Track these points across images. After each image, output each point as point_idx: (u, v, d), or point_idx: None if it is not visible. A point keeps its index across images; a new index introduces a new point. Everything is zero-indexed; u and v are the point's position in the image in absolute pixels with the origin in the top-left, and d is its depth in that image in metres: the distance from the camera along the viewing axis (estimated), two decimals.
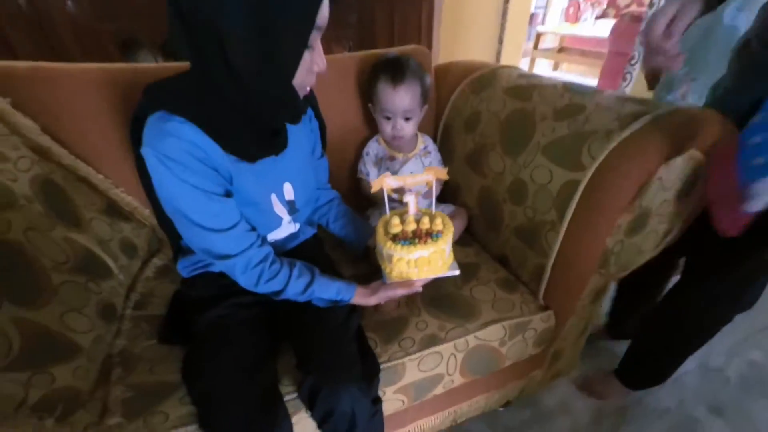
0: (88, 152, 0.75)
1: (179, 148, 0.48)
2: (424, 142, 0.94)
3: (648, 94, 1.34)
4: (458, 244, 0.89)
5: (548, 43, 4.04)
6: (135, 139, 0.55)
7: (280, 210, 0.65)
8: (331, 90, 0.88)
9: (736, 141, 0.52)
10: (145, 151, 0.49)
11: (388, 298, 0.65)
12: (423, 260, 0.60)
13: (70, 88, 0.73)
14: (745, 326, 1.14)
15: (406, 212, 0.64)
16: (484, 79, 0.90)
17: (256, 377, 0.57)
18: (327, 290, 0.63)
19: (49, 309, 0.53)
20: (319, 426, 0.59)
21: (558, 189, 0.66)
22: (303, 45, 0.48)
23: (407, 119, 0.84)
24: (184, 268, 0.69)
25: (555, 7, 4.19)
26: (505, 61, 2.56)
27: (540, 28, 3.89)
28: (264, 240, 0.61)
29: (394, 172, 0.90)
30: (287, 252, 0.73)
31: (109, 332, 0.64)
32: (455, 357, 0.69)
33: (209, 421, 0.54)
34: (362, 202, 0.95)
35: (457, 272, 0.64)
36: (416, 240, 0.60)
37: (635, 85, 2.03)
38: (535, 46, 3.91)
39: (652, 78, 1.25)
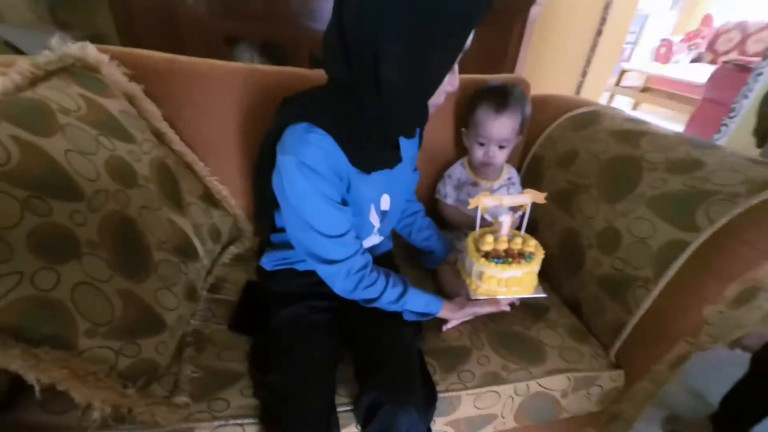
0: (195, 141, 0.81)
1: (319, 158, 0.53)
2: (509, 172, 0.93)
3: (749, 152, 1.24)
4: None
5: (631, 80, 3.84)
6: (269, 144, 0.59)
7: (374, 219, 0.67)
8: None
9: None
10: (285, 158, 0.53)
11: (474, 314, 0.68)
12: (514, 280, 0.61)
13: (194, 82, 0.81)
14: None
15: (497, 231, 0.65)
16: (588, 117, 0.88)
17: (322, 381, 0.59)
18: (418, 301, 0.64)
19: (148, 284, 0.57)
20: None
21: (660, 246, 0.63)
22: (449, 68, 0.52)
23: (501, 147, 0.83)
24: (269, 261, 0.73)
25: (643, 45, 3.99)
26: (585, 94, 2.47)
27: (625, 65, 3.72)
28: (364, 249, 0.63)
29: (470, 195, 0.90)
30: None
31: (189, 312, 0.68)
32: (513, 399, 0.67)
33: (271, 417, 0.55)
34: (436, 223, 0.95)
35: (543, 295, 0.66)
36: (509, 259, 0.61)
37: (730, 138, 1.88)
38: (617, 83, 3.73)
39: (762, 136, 1.15)
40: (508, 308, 0.68)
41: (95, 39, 2.09)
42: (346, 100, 0.55)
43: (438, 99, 0.56)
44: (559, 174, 0.86)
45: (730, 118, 1.89)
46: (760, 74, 1.73)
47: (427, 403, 0.60)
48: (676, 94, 3.40)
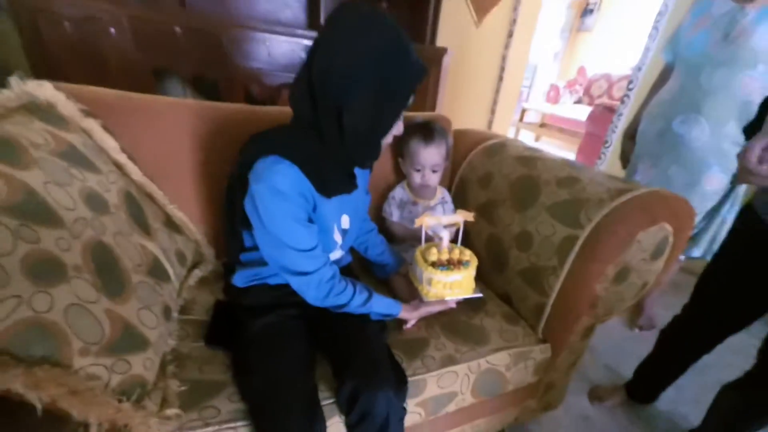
0: (153, 171, 0.85)
1: (287, 184, 0.62)
2: (442, 193, 1.11)
3: (619, 172, 1.59)
4: None
5: (531, 117, 4.52)
6: (239, 174, 0.68)
7: (337, 236, 0.77)
8: None
9: None
10: (259, 186, 0.62)
11: (427, 313, 0.80)
12: (456, 283, 0.74)
13: (148, 116, 0.86)
14: None
15: (439, 245, 0.78)
16: (496, 146, 1.10)
17: (302, 379, 0.65)
18: (381, 304, 0.76)
19: (130, 304, 0.60)
20: (351, 429, 0.66)
21: (560, 241, 0.82)
22: (397, 118, 0.67)
23: (434, 171, 1.01)
24: (241, 279, 0.78)
25: (537, 87, 4.75)
26: (495, 128, 2.88)
27: (525, 104, 4.37)
28: (331, 261, 0.72)
29: (416, 216, 1.05)
30: None
31: (166, 331, 0.70)
32: (468, 377, 0.79)
33: (260, 414, 0.61)
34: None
35: (481, 295, 0.80)
36: (451, 266, 0.74)
37: (609, 163, 2.34)
38: (521, 119, 4.36)
39: (625, 161, 1.49)
40: (455, 305, 0.82)
41: (1, 72, 1.97)
42: (310, 136, 0.66)
43: (387, 140, 0.70)
44: (480, 192, 1.06)
45: (606, 147, 2.36)
46: (621, 114, 2.23)
47: (399, 385, 0.69)
48: (566, 129, 4.08)
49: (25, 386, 0.44)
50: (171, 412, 0.58)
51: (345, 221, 0.79)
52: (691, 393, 1.26)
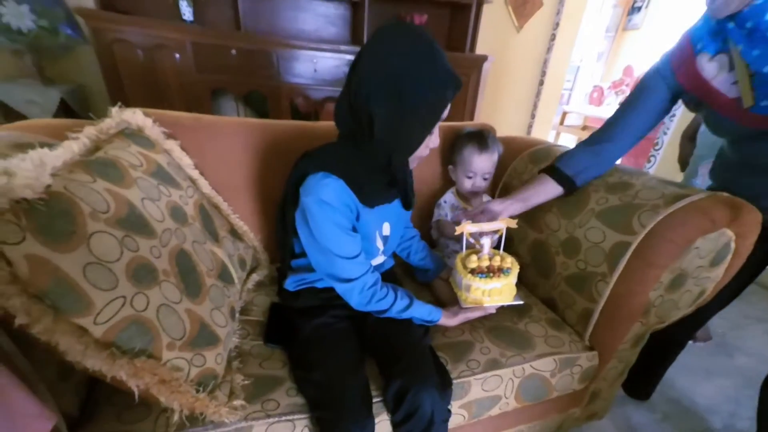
0: (219, 185, 0.95)
1: (334, 197, 0.68)
2: (487, 200, 1.11)
3: (672, 175, 1.52)
4: None
5: (572, 120, 4.37)
6: (292, 187, 0.75)
7: (379, 243, 0.82)
8: None
9: None
10: (308, 198, 0.68)
11: (466, 319, 0.81)
12: (496, 290, 0.75)
13: (213, 134, 0.95)
14: None
15: (480, 251, 0.80)
16: (542, 152, 1.09)
17: (356, 375, 0.69)
18: (422, 311, 0.78)
19: (205, 305, 0.67)
20: (397, 427, 0.69)
21: (610, 247, 0.81)
22: (426, 133, 0.69)
23: (485, 179, 1.04)
24: (292, 283, 0.84)
25: (579, 89, 4.58)
26: (535, 133, 2.82)
27: (566, 107, 4.23)
28: (373, 268, 0.77)
29: (458, 217, 1.07)
30: None
31: (232, 330, 0.77)
32: (513, 381, 0.80)
33: (320, 407, 0.65)
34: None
35: (522, 303, 0.80)
36: (491, 274, 0.75)
37: (659, 165, 2.23)
38: (561, 122, 4.22)
39: (683, 163, 1.43)
40: (494, 311, 0.83)
41: (81, 91, 2.22)
42: (352, 149, 0.71)
43: (422, 153, 0.73)
44: None
45: (656, 150, 2.25)
46: (673, 116, 2.12)
47: (444, 386, 0.71)
48: None
49: (128, 375, 0.52)
50: (238, 403, 0.64)
51: (386, 228, 0.83)
52: (748, 408, 1.17)
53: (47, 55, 1.83)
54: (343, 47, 2.02)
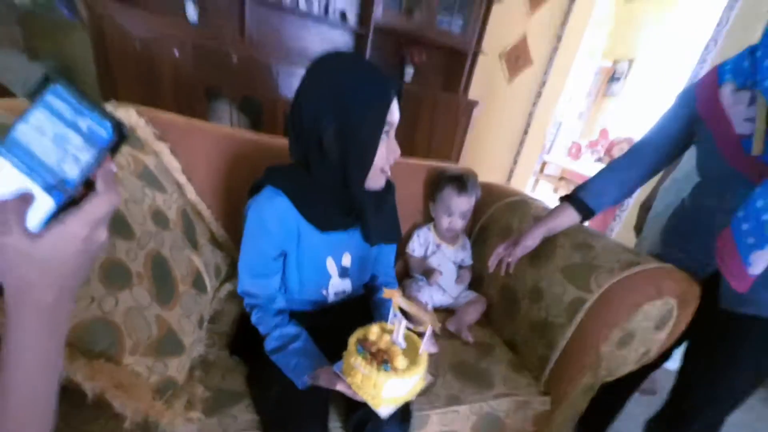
0: (204, 191, 0.95)
1: (272, 214, 0.70)
2: (463, 240, 1.19)
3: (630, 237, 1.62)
4: (477, 324, 1.07)
5: (551, 170, 4.60)
6: (247, 198, 0.76)
7: (332, 270, 0.81)
8: (404, 185, 1.12)
9: (730, 234, 0.69)
10: (248, 212, 0.71)
11: (328, 386, 0.65)
12: (356, 374, 0.59)
13: (206, 141, 0.96)
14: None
15: (392, 331, 0.65)
16: (519, 203, 1.17)
17: (314, 400, 0.68)
18: (287, 364, 0.69)
19: (175, 311, 0.67)
20: None
21: (569, 301, 0.87)
22: (375, 140, 0.67)
23: (462, 218, 1.09)
24: None
25: (560, 143, 4.86)
26: (516, 177, 2.96)
27: (546, 157, 4.46)
28: (278, 298, 0.78)
29: (438, 255, 1.13)
30: (335, 304, 0.86)
31: (198, 338, 0.76)
32: (469, 418, 0.82)
33: (275, 424, 0.65)
34: (401, 273, 1.16)
35: (380, 413, 0.59)
36: (368, 356, 0.59)
37: (622, 226, 2.37)
38: (541, 171, 4.44)
39: (638, 230, 1.53)
40: (344, 391, 0.62)
41: (68, 70, 2.13)
42: (304, 172, 0.71)
43: (383, 165, 0.71)
44: (499, 242, 1.09)
45: (621, 211, 2.40)
46: None
47: (404, 419, 0.71)
48: None
49: (84, 377, 0.50)
50: (194, 415, 0.63)
51: (346, 259, 0.82)
52: None
53: (38, 31, 1.75)
54: None
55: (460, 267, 1.16)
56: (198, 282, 0.78)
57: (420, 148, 2.40)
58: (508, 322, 1.03)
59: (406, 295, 1.05)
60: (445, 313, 1.08)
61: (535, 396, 0.89)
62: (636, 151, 0.91)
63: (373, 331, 0.64)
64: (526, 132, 2.78)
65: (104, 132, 0.29)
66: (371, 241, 0.79)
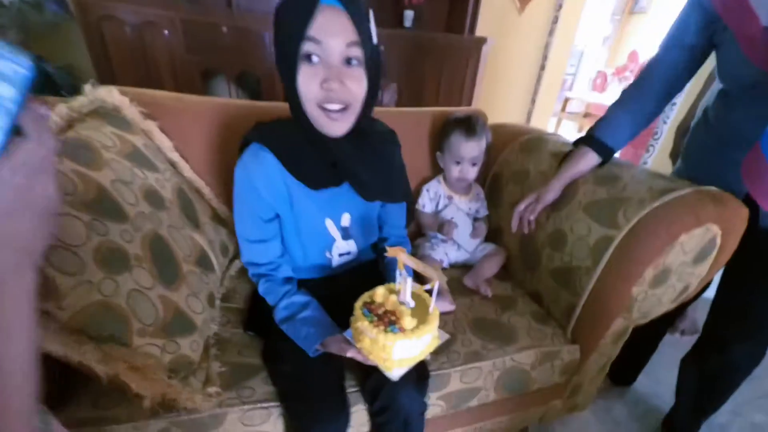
0: (202, 168, 0.92)
1: (260, 173, 0.66)
2: (476, 189, 1.12)
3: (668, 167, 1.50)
4: (496, 278, 1.03)
5: (574, 107, 4.30)
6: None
7: (334, 232, 0.77)
8: (408, 137, 1.05)
9: (759, 150, 0.62)
10: (236, 169, 0.67)
11: (339, 353, 0.64)
12: (366, 340, 0.58)
13: (196, 116, 0.92)
14: (749, 389, 1.22)
15: (401, 289, 0.61)
16: (533, 141, 1.07)
17: (328, 368, 0.68)
18: (298, 333, 0.68)
19: (181, 291, 0.66)
20: (374, 417, 0.69)
21: (595, 241, 0.80)
22: (291, 64, 0.57)
23: (473, 165, 1.02)
24: None
25: (583, 75, 4.49)
26: (535, 119, 2.77)
27: (568, 93, 4.16)
28: (283, 266, 0.75)
29: (451, 208, 1.07)
30: (344, 272, 0.83)
31: (210, 316, 0.76)
32: (492, 374, 0.80)
33: (289, 398, 0.65)
34: (415, 231, 1.11)
35: (393, 377, 0.59)
36: (375, 319, 0.57)
37: (656, 156, 2.20)
38: (563, 109, 4.15)
39: (675, 157, 1.40)
40: (355, 357, 0.61)
41: (70, 70, 2.17)
42: (294, 124, 0.65)
43: (317, 95, 0.59)
44: (515, 188, 1.04)
45: (655, 139, 2.21)
46: (674, 104, 2.07)
47: (420, 379, 0.70)
48: None
49: (96, 360, 0.51)
50: (212, 390, 0.64)
51: (345, 219, 0.77)
52: (729, 403, 1.19)
53: (34, 33, 1.78)
54: None
55: (475, 219, 1.10)
56: (203, 261, 0.78)
57: (429, 98, 2.27)
58: (530, 273, 0.97)
59: (420, 255, 1.02)
60: (462, 269, 1.04)
61: (563, 345, 0.85)
62: (645, 74, 0.81)
63: (379, 293, 0.62)
64: (543, 67, 2.56)
65: (23, 69, 0.27)
66: (366, 196, 0.72)
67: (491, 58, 2.33)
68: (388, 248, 0.63)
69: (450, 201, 1.06)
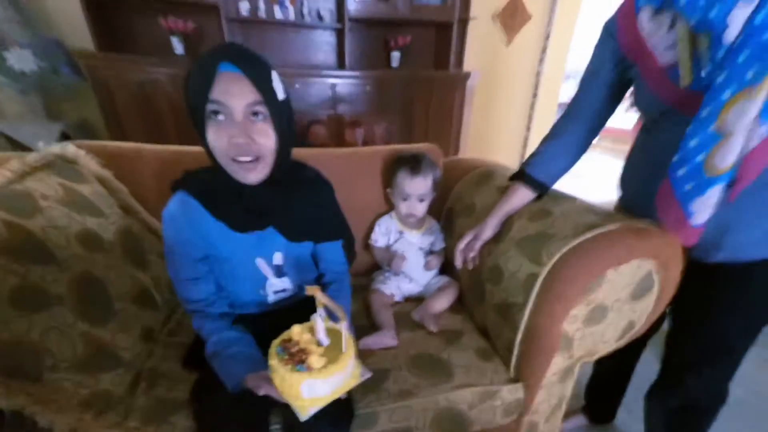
0: (157, 208, 0.94)
1: (183, 218, 0.70)
2: (430, 223, 1.12)
3: None
4: (451, 311, 1.01)
5: None
6: None
7: (266, 271, 0.79)
8: (360, 175, 1.11)
9: (668, 183, 0.62)
10: (164, 213, 0.71)
11: (254, 389, 0.62)
12: (277, 377, 0.57)
13: (154, 163, 1.00)
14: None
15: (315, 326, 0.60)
16: (483, 175, 1.07)
17: (257, 404, 0.66)
18: (222, 368, 0.68)
19: (108, 328, 0.69)
20: None
21: (525, 277, 0.78)
22: (199, 123, 0.61)
23: (421, 201, 1.03)
24: None
25: None
26: (532, 145, 2.76)
27: None
28: (217, 302, 0.76)
29: (402, 243, 1.08)
30: (282, 307, 0.84)
31: (144, 351, 0.79)
32: (425, 413, 0.77)
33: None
34: (373, 265, 1.14)
35: (302, 417, 0.55)
36: (286, 357, 0.57)
37: None
38: None
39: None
40: (269, 393, 0.60)
41: (84, 125, 2.40)
42: (217, 170, 0.67)
43: (229, 151, 0.62)
44: (465, 222, 1.03)
45: None
46: None
47: (341, 418, 0.69)
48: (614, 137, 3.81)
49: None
50: (131, 424, 0.66)
51: (278, 258, 0.79)
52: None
53: (52, 94, 2.01)
54: (327, 71, 2.09)
55: (431, 252, 1.10)
56: (142, 297, 0.82)
57: (419, 132, 2.32)
58: (478, 306, 0.95)
59: (371, 288, 1.02)
60: (416, 302, 1.03)
61: (502, 384, 0.81)
62: (572, 107, 0.81)
63: (295, 330, 0.62)
64: (535, 94, 2.57)
65: None
66: (291, 237, 0.76)
67: (482, 89, 2.37)
68: (306, 287, 0.62)
69: (401, 235, 1.07)
